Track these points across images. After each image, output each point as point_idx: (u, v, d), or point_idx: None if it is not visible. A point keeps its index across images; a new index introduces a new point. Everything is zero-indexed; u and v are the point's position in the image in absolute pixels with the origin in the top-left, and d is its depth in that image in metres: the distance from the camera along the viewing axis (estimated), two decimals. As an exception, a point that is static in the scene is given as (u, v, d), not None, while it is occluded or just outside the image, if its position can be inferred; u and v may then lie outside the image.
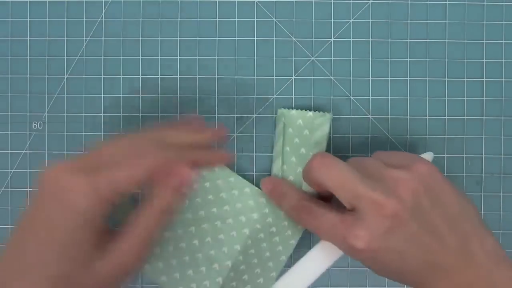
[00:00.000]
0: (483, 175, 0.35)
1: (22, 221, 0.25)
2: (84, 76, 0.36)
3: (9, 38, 0.36)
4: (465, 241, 0.25)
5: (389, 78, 0.35)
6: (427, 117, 0.35)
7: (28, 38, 0.36)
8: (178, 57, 0.35)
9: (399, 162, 0.27)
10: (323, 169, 0.27)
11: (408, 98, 0.35)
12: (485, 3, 0.35)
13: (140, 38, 0.36)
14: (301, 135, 0.34)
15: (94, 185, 0.23)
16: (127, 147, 0.26)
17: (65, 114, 0.36)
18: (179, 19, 0.36)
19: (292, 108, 0.34)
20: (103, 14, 0.36)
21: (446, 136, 0.35)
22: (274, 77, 0.35)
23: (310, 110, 0.34)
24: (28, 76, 0.36)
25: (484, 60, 0.35)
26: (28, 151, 0.36)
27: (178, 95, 0.35)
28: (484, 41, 0.35)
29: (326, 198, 0.31)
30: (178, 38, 0.35)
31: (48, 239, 0.23)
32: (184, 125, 0.30)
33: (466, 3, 0.35)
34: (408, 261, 0.25)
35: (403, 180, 0.26)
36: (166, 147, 0.26)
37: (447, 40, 0.35)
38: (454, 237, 0.25)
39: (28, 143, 0.36)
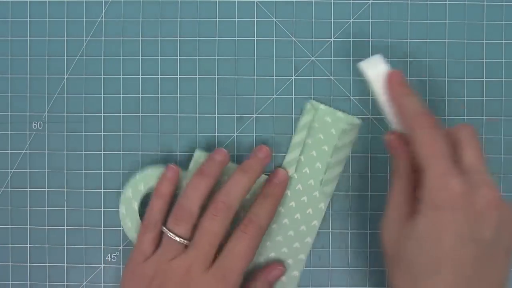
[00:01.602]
0: (483, 175, 0.35)
1: None
2: (84, 76, 0.36)
3: (9, 38, 0.36)
4: None
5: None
6: (427, 117, 0.35)
7: (28, 38, 0.36)
8: (178, 57, 0.35)
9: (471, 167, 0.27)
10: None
11: (408, 98, 0.35)
12: (485, 3, 0.35)
13: (140, 38, 0.36)
14: (326, 132, 0.34)
15: (228, 281, 0.29)
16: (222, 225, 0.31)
17: (65, 114, 0.36)
18: (179, 19, 0.36)
19: (322, 103, 0.35)
20: (103, 14, 0.36)
21: (446, 136, 0.35)
22: (274, 77, 0.35)
23: (340, 110, 0.34)
24: (28, 76, 0.36)
25: (484, 60, 0.35)
26: (28, 151, 0.36)
27: (178, 95, 0.35)
28: (484, 41, 0.35)
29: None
30: (178, 38, 0.35)
31: None
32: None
33: (466, 3, 0.35)
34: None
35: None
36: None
37: (447, 40, 0.35)
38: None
39: (28, 143, 0.36)
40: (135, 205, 0.33)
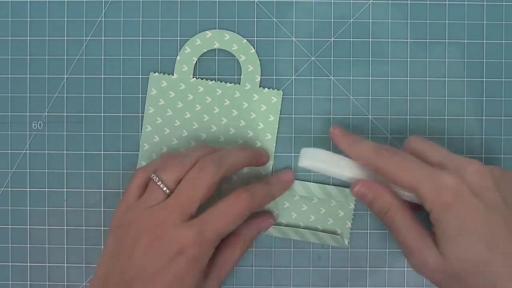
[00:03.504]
0: (483, 175, 0.35)
1: (115, 257, 0.29)
2: (84, 76, 0.36)
3: (9, 38, 0.36)
4: None
5: (389, 78, 0.35)
6: (427, 117, 0.35)
7: (28, 38, 0.36)
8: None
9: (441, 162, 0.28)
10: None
11: (408, 98, 0.35)
12: (485, 3, 0.35)
13: (140, 38, 0.36)
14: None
15: (203, 237, 0.28)
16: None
17: (65, 114, 0.36)
18: (179, 19, 0.35)
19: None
20: (103, 14, 0.36)
21: (446, 136, 0.35)
22: (274, 77, 0.35)
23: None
24: (28, 76, 0.36)
25: (484, 60, 0.35)
26: (28, 151, 0.36)
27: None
28: (484, 41, 0.35)
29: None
30: (178, 38, 0.35)
31: (157, 283, 0.27)
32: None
33: (466, 3, 0.35)
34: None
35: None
36: (254, 189, 0.31)
37: (447, 40, 0.35)
38: None
39: (28, 143, 0.36)
40: None
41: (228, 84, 0.35)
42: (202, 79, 0.35)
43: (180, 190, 0.29)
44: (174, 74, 0.35)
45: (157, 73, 0.35)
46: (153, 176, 0.29)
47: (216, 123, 0.35)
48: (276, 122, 0.35)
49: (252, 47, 0.35)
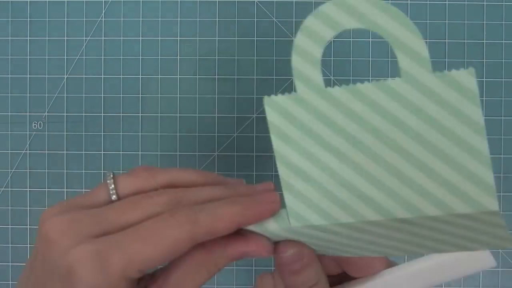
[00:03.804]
0: (483, 175, 0.35)
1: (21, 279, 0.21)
2: (84, 76, 0.36)
3: (9, 38, 0.36)
4: None
5: (389, 78, 0.35)
6: (427, 117, 0.35)
7: (28, 38, 0.36)
8: (178, 57, 0.35)
9: None
10: None
11: (408, 98, 0.35)
12: (485, 3, 0.35)
13: (140, 38, 0.36)
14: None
15: (105, 260, 0.18)
16: (143, 205, 0.20)
17: (65, 114, 0.36)
18: (179, 19, 0.36)
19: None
20: (103, 14, 0.36)
21: (446, 136, 0.35)
22: (274, 77, 0.35)
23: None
24: (28, 76, 0.36)
25: (484, 60, 0.35)
26: (28, 151, 0.36)
27: (178, 95, 0.35)
28: (484, 41, 0.35)
29: None
30: (178, 38, 0.35)
31: None
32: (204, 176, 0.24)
33: (466, 3, 0.35)
34: None
35: None
36: (194, 220, 0.20)
37: (447, 40, 0.35)
38: None
39: (28, 143, 0.36)
40: None
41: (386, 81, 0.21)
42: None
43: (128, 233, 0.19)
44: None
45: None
46: (109, 175, 0.22)
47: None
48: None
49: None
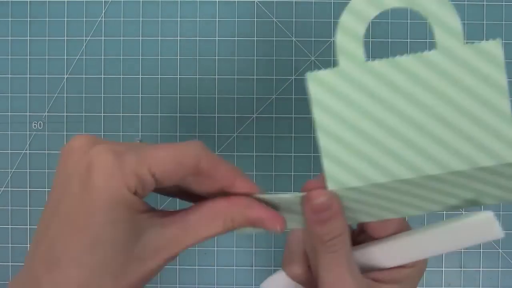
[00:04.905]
0: (483, 175, 0.35)
1: (48, 205, 0.21)
2: (84, 76, 0.36)
3: (9, 38, 0.36)
4: None
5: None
6: (427, 117, 0.35)
7: (28, 38, 0.36)
8: (178, 57, 0.35)
9: None
10: None
11: (408, 98, 0.35)
12: (485, 3, 0.35)
13: (140, 38, 0.36)
14: None
15: (121, 155, 0.20)
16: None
17: (65, 114, 0.36)
18: (179, 19, 0.36)
19: None
20: (103, 14, 0.36)
21: (446, 136, 0.35)
22: (274, 77, 0.35)
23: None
24: (28, 76, 0.36)
25: (484, 60, 0.35)
26: (28, 151, 0.36)
27: (178, 95, 0.35)
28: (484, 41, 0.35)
29: None
30: (178, 38, 0.35)
31: (76, 227, 0.20)
32: None
33: (466, 3, 0.35)
34: None
35: None
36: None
37: (447, 40, 0.35)
38: None
39: (28, 143, 0.36)
40: None
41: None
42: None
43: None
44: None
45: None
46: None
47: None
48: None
49: None
